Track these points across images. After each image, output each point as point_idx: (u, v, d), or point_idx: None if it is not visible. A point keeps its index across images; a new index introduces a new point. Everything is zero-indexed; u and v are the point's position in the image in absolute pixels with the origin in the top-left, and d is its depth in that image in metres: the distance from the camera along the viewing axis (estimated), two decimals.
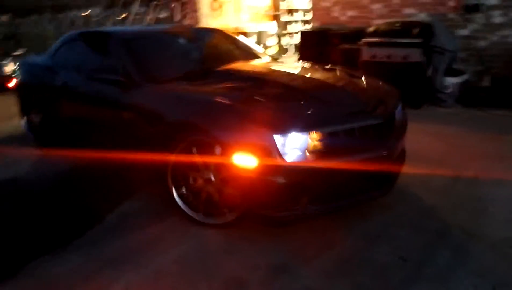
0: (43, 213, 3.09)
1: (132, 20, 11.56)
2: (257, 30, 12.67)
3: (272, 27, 13.00)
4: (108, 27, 9.72)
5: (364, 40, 6.15)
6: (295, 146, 2.29)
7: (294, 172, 2.30)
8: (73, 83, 3.67)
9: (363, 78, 3.28)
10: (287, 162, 2.26)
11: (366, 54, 6.10)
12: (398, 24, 6.02)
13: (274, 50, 12.44)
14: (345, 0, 7.70)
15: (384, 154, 2.57)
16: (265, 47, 12.76)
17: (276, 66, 3.62)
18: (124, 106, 3.05)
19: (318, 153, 2.34)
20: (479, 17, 6.30)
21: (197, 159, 2.60)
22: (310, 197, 2.36)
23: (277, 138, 2.25)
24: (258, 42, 12.77)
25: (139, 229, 2.76)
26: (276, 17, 13.44)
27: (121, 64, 3.17)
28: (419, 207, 2.96)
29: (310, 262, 2.33)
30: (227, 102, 2.54)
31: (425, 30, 5.74)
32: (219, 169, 2.53)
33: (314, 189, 2.35)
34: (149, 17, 11.27)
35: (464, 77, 6.18)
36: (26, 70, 4.56)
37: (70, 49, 4.02)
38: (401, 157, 3.06)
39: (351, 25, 7.51)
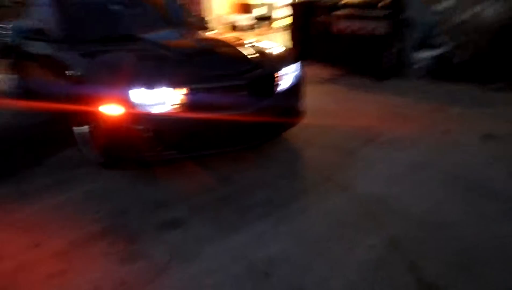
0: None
1: None
2: (264, 2, 12.81)
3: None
4: None
5: (335, 12, 6.28)
6: (154, 99, 2.69)
7: (148, 121, 2.70)
8: (25, 43, 4.14)
9: (254, 45, 3.65)
10: (144, 112, 2.68)
11: (336, 26, 6.25)
12: None
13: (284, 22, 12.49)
14: None
15: (251, 111, 2.92)
16: (272, 20, 12.90)
17: (191, 37, 3.92)
18: (57, 59, 3.52)
19: (179, 107, 2.74)
20: None
21: (80, 108, 3.05)
22: (166, 144, 2.75)
23: (133, 92, 2.67)
24: (268, 14, 12.91)
25: (64, 171, 3.24)
26: None
27: (53, 24, 3.67)
28: (307, 161, 3.32)
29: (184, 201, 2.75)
30: (105, 62, 3.06)
31: (395, 3, 5.81)
32: (94, 117, 2.95)
33: (169, 137, 2.76)
34: None
35: (438, 51, 6.24)
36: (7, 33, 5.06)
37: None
38: (288, 114, 3.39)
39: None
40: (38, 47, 3.90)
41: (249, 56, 3.32)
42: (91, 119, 3.00)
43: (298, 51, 7.74)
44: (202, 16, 4.78)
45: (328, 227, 2.41)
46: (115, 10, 4.17)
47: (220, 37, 4.14)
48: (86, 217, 2.53)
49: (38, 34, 3.74)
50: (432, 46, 6.14)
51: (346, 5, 6.21)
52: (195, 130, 2.84)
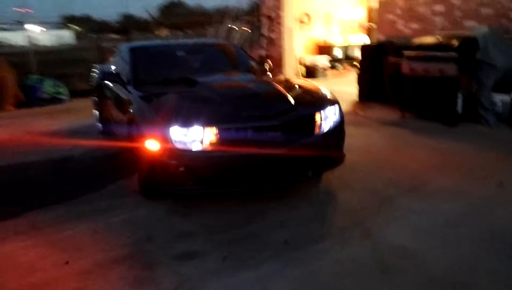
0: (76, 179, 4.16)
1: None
2: (345, 44, 12.89)
3: (362, 40, 13.00)
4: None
5: (405, 53, 6.14)
6: (187, 136, 2.92)
7: (180, 156, 2.92)
8: (106, 84, 4.76)
9: (296, 88, 3.80)
10: (177, 148, 2.91)
11: (405, 67, 6.08)
12: (440, 38, 5.88)
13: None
14: (408, 13, 7.62)
15: (282, 151, 2.98)
16: (351, 58, 12.90)
17: (240, 79, 4.18)
18: (123, 99, 4.00)
19: (209, 145, 2.94)
20: None
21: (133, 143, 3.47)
22: (195, 179, 2.91)
23: (172, 129, 2.95)
24: (344, 54, 12.96)
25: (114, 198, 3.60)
26: (370, 30, 13.38)
27: (126, 67, 4.21)
28: (340, 204, 3.25)
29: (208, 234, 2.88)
30: (150, 103, 3.45)
31: (468, 44, 5.52)
32: (140, 152, 3.29)
33: (198, 173, 2.91)
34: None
35: None
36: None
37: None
38: (325, 155, 3.40)
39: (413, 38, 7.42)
40: (113, 88, 4.48)
41: (289, 98, 3.44)
42: (139, 153, 3.34)
43: (363, 94, 7.70)
44: (264, 60, 5.03)
45: (336, 275, 2.36)
46: (181, 56, 4.64)
47: (272, 80, 4.32)
48: (117, 242, 2.80)
49: (114, 77, 4.31)
50: None
51: (418, 47, 6.05)
52: (224, 166, 3.00)
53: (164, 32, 12.95)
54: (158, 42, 6.56)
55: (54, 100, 8.97)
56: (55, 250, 2.69)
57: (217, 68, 4.47)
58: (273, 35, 11.81)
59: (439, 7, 7.20)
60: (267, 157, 3.06)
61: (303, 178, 3.39)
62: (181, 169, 2.97)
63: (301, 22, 12.53)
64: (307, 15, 12.67)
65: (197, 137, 2.97)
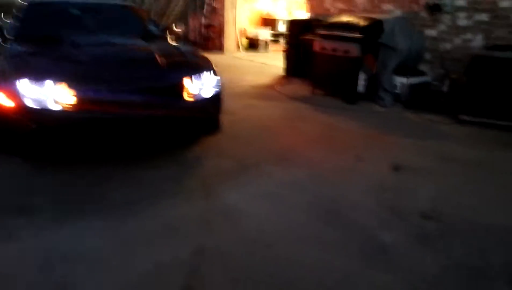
0: None
1: None
2: (287, 18, 12.92)
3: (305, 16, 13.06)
4: None
5: (318, 31, 6.28)
6: (39, 93, 2.94)
7: (31, 114, 2.95)
8: None
9: (175, 56, 3.80)
10: (25, 104, 2.93)
11: (317, 45, 6.23)
12: (350, 19, 6.04)
13: None
14: None
15: (139, 114, 3.13)
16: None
17: (123, 42, 4.09)
18: None
19: (66, 104, 2.97)
20: (447, 18, 6.03)
21: None
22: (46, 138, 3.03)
23: (21, 83, 2.93)
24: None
25: None
26: None
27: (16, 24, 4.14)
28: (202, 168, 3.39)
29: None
30: (12, 59, 3.40)
31: (373, 26, 5.71)
32: None
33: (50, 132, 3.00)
34: None
35: (422, 78, 6.03)
36: None
37: None
38: (196, 123, 3.52)
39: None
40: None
41: (159, 64, 3.46)
42: None
43: (288, 69, 7.84)
44: (163, 26, 4.99)
45: (144, 231, 2.48)
46: (75, 15, 4.51)
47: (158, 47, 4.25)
48: None
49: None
50: (416, 73, 5.95)
51: (328, 26, 6.19)
52: (77, 127, 3.03)
53: None
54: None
55: None
56: None
57: (107, 29, 4.38)
58: (215, 4, 11.64)
59: None
60: (125, 120, 3.12)
61: (171, 142, 3.47)
62: (32, 126, 2.97)
63: None
64: None
65: (49, 94, 2.95)
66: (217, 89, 3.68)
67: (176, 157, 3.61)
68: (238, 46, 12.17)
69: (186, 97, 3.43)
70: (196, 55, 4.02)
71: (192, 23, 12.43)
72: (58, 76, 3.01)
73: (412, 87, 5.82)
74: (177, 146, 3.79)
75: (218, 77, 3.71)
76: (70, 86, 2.99)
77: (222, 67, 9.37)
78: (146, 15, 5.26)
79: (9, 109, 3.00)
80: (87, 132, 3.09)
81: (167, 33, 5.01)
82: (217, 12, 11.63)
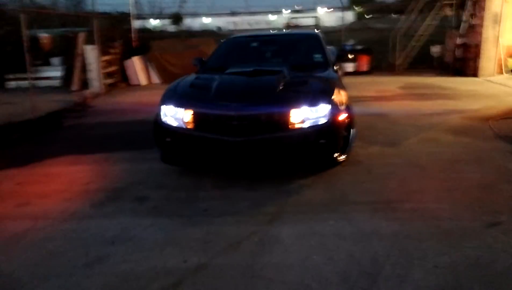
0: None
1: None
2: None
3: None
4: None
5: None
6: (171, 115, 3.74)
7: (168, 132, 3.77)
8: None
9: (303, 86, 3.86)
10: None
11: None
12: None
13: None
14: None
15: (235, 140, 3.46)
16: None
17: (272, 69, 4.22)
18: None
19: (188, 123, 3.65)
20: None
21: None
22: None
23: (162, 108, 3.80)
24: None
25: None
26: None
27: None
28: None
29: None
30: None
31: None
32: None
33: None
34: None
35: None
36: None
37: None
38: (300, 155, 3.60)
39: None
40: None
41: (273, 94, 3.65)
42: None
43: None
44: (339, 54, 4.98)
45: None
46: (256, 47, 5.19)
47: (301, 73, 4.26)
48: (120, 179, 4.02)
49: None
50: None
51: None
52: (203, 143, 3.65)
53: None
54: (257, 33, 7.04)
55: None
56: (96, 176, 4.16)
57: (277, 59, 4.83)
58: (474, 21, 10.19)
59: None
60: (228, 143, 3.49)
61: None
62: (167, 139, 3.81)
63: None
64: None
65: (179, 117, 3.69)
66: (328, 119, 3.54)
67: (280, 184, 3.67)
68: (501, 69, 10.24)
69: (290, 126, 3.50)
70: (330, 85, 3.89)
71: (449, 42, 11.32)
72: (187, 104, 3.71)
73: None
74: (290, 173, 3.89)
75: (343, 109, 3.67)
76: (192, 111, 3.66)
77: (444, 91, 8.21)
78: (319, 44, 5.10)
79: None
80: (200, 148, 3.68)
81: (339, 60, 4.98)
82: (475, 30, 10.15)
